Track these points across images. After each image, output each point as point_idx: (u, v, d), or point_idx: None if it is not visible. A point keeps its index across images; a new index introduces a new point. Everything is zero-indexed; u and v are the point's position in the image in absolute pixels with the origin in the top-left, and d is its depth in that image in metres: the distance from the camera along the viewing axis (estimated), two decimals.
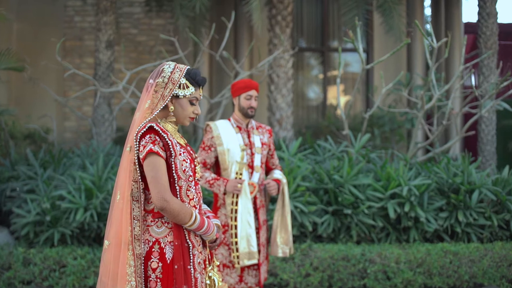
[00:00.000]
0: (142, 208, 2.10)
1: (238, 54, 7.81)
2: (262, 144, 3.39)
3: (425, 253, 4.46)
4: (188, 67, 2.18)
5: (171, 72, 2.13)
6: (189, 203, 2.12)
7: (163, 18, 8.39)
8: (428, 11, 9.51)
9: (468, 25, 9.06)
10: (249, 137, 3.36)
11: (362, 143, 5.26)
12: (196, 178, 2.18)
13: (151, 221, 2.09)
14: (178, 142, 2.14)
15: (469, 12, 23.43)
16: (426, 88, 5.30)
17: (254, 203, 3.33)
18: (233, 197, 3.25)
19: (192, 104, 2.17)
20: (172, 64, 2.16)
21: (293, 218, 4.61)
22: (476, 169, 5.74)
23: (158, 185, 2.02)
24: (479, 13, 7.20)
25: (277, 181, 3.40)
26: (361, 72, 4.97)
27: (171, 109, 2.14)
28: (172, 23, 7.80)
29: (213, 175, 3.26)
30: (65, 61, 8.22)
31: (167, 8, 7.87)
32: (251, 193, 3.28)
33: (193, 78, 2.16)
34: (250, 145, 3.34)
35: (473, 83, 9.24)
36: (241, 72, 6.10)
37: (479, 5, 7.14)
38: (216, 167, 3.39)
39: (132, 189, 2.08)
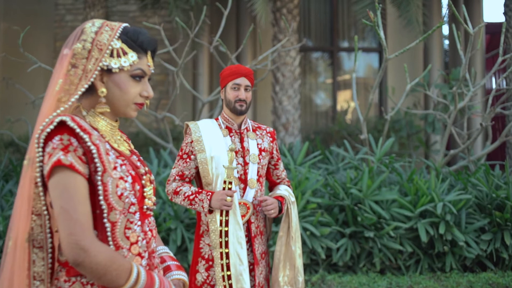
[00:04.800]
0: (51, 260, 1.26)
1: (240, 51, 7.09)
2: (260, 150, 2.51)
3: (466, 286, 3.61)
4: (126, 24, 1.34)
5: (96, 33, 1.29)
6: (129, 250, 1.27)
7: (159, 16, 7.82)
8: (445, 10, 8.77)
9: (487, 25, 8.43)
10: (242, 141, 2.49)
11: (384, 149, 4.38)
12: (145, 207, 1.34)
13: (65, 282, 1.25)
14: (113, 148, 1.30)
15: (489, 11, 22.69)
16: (458, 85, 4.49)
17: (248, 229, 2.45)
18: (221, 215, 2.38)
19: (136, 79, 1.32)
20: (98, 21, 1.32)
21: (302, 242, 3.76)
22: None
23: (71, 222, 1.17)
24: (506, 5, 6.85)
25: (280, 198, 2.53)
26: (384, 63, 4.13)
27: (102, 92, 1.30)
28: (169, 21, 7.12)
29: (194, 189, 2.40)
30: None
31: (163, 5, 7.18)
32: (243, 216, 2.41)
33: (134, 40, 1.32)
34: (243, 152, 2.47)
35: (494, 83, 8.78)
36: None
37: None
38: (198, 181, 2.54)
39: (32, 228, 1.24)
